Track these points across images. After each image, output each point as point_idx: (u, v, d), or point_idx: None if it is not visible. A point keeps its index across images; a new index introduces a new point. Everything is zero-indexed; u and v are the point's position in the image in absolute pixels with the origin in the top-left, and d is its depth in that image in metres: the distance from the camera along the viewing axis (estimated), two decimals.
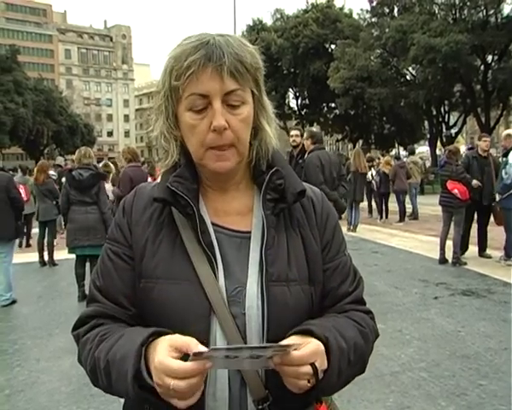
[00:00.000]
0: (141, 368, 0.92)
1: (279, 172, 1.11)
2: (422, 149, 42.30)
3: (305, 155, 6.69)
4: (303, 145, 7.33)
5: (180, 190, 1.05)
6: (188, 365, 0.86)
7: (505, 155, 8.13)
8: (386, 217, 14.57)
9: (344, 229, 9.03)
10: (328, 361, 0.98)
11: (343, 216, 11.24)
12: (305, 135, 7.07)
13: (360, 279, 1.20)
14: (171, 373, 0.86)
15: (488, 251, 8.75)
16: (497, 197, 8.02)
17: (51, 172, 12.64)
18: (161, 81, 1.08)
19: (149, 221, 1.11)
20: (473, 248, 8.82)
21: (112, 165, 10.94)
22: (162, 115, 1.09)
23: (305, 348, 0.93)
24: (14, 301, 6.85)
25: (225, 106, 1.02)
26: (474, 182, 8.27)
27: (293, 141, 7.15)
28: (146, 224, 1.11)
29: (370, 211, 15.61)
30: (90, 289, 1.14)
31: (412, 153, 16.50)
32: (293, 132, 7.29)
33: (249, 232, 1.10)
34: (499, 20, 28.56)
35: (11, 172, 13.44)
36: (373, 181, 14.95)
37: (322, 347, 0.97)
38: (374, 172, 15.12)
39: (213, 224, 1.10)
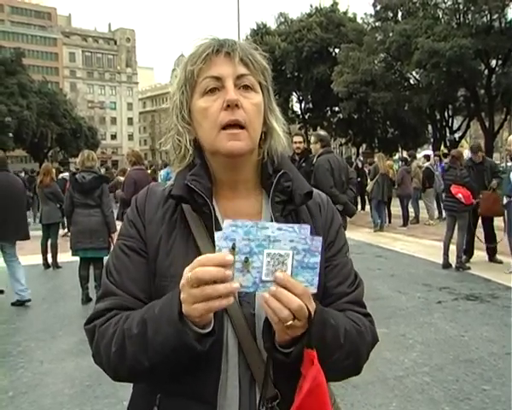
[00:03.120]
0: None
1: (287, 174, 1.13)
2: (426, 153, 42.22)
3: (314, 159, 6.69)
4: (305, 149, 7.34)
5: (198, 188, 1.07)
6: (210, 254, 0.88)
7: None
8: (389, 221, 14.56)
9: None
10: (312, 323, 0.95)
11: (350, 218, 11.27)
12: (312, 139, 7.06)
13: (360, 282, 1.20)
14: (198, 264, 0.88)
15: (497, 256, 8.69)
16: (505, 200, 7.97)
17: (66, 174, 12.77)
18: (177, 77, 1.13)
19: (162, 220, 1.12)
20: (477, 253, 8.80)
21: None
22: (176, 110, 1.13)
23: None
24: (20, 303, 6.86)
25: (237, 89, 1.07)
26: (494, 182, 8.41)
27: (297, 148, 7.15)
28: (159, 222, 1.12)
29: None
30: (102, 285, 1.13)
31: (414, 157, 16.53)
32: (296, 139, 7.28)
33: None
34: (503, 24, 28.51)
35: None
36: None
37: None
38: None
39: None
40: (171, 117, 1.15)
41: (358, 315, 1.13)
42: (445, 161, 15.15)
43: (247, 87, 1.08)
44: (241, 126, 1.06)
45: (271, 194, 1.11)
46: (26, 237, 7.10)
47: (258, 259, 0.88)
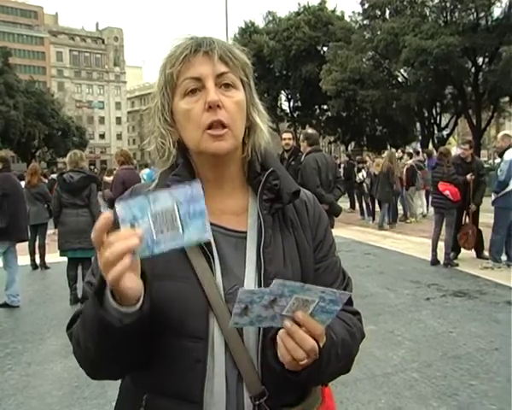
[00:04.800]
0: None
1: (275, 172, 1.13)
2: (410, 151, 42.48)
3: (302, 157, 6.68)
4: (294, 147, 7.34)
5: None
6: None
7: (501, 155, 8.09)
8: (373, 219, 14.60)
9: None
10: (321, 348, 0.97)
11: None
12: (301, 137, 7.07)
13: (349, 280, 1.22)
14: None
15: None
16: (493, 196, 8.01)
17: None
18: (157, 80, 1.12)
19: None
20: (465, 250, 8.83)
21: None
22: (158, 112, 1.12)
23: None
24: (7, 305, 6.80)
25: (218, 88, 1.06)
26: (468, 177, 8.31)
27: (287, 145, 7.15)
28: None
29: (362, 213, 15.65)
30: (84, 289, 1.12)
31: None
32: (285, 136, 7.29)
33: (245, 232, 1.11)
34: (490, 22, 28.77)
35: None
36: (364, 183, 15.15)
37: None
38: (365, 174, 15.27)
39: (210, 222, 1.10)
40: (154, 120, 1.14)
41: (349, 315, 1.15)
42: (418, 158, 15.29)
43: (227, 85, 1.08)
44: (224, 126, 1.05)
45: (259, 191, 1.11)
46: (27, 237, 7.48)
47: (285, 300, 0.91)
